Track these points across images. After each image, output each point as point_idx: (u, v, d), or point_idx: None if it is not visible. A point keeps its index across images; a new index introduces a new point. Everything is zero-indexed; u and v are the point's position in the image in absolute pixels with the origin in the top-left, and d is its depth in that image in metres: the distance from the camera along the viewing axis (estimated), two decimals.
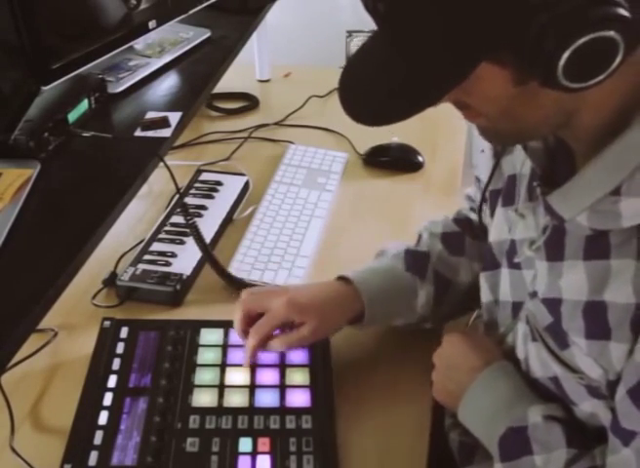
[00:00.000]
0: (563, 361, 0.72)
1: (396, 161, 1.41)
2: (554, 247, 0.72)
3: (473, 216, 1.02)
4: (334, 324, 0.93)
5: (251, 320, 0.91)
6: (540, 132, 0.69)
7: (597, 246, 0.67)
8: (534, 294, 0.76)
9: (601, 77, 0.56)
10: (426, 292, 0.96)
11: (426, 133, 1.49)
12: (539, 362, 0.76)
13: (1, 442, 0.85)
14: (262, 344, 0.90)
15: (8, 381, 0.89)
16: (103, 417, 0.84)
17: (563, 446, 0.72)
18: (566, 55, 0.53)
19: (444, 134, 1.51)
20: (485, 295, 0.88)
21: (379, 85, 0.62)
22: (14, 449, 0.84)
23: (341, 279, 0.96)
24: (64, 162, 0.99)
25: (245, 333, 0.91)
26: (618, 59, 0.55)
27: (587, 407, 0.72)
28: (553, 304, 0.72)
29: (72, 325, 1.03)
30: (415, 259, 0.98)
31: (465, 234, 1.01)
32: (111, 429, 0.83)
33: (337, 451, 0.82)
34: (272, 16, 1.63)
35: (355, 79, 0.65)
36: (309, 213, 1.26)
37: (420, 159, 1.41)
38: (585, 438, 0.73)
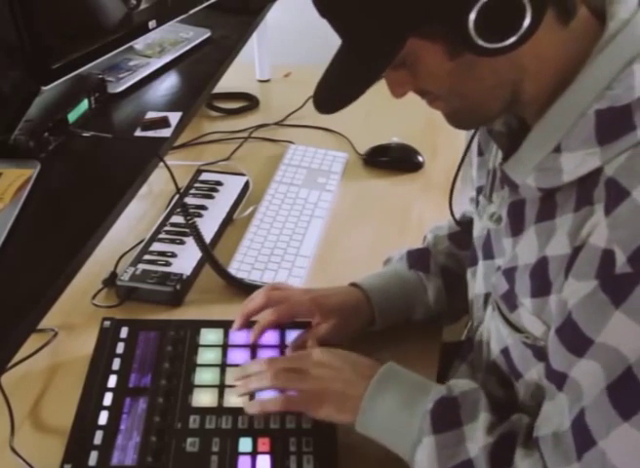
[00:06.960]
0: (512, 323, 0.74)
1: (396, 161, 1.41)
2: (516, 220, 0.74)
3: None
4: (352, 327, 0.95)
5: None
6: (491, 107, 0.70)
7: (546, 208, 0.69)
8: (498, 269, 0.78)
9: (514, 38, 0.60)
10: (435, 285, 0.98)
11: (426, 133, 1.49)
12: (495, 335, 0.78)
13: (1, 442, 0.85)
14: (272, 326, 0.93)
15: (8, 381, 0.89)
16: (103, 417, 0.84)
17: (486, 410, 0.72)
18: (473, 15, 0.59)
19: (444, 134, 1.50)
20: (471, 292, 0.90)
21: (334, 78, 0.71)
22: (14, 449, 0.84)
23: (353, 285, 0.98)
24: (64, 162, 0.99)
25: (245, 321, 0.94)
26: (527, 21, 0.59)
27: (533, 374, 0.73)
28: (510, 273, 0.74)
29: (72, 325, 1.03)
30: (416, 257, 1.01)
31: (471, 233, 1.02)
32: (111, 429, 0.83)
33: (337, 451, 0.81)
34: (272, 16, 1.63)
35: (323, 79, 0.73)
36: (309, 213, 1.26)
37: (420, 159, 1.41)
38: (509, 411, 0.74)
